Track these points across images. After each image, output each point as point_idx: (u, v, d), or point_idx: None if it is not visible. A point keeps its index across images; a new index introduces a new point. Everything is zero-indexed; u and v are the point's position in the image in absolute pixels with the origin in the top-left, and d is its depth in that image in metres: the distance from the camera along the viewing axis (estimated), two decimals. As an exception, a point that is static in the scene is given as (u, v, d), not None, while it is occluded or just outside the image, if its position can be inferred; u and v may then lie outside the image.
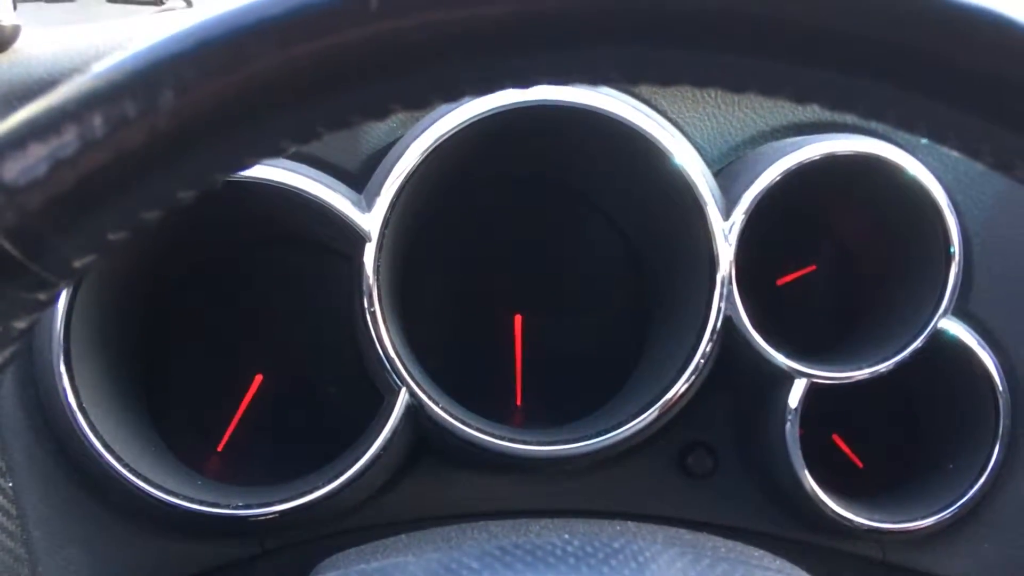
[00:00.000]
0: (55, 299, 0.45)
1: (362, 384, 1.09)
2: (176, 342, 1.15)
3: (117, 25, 1.09)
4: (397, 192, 0.97)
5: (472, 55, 0.43)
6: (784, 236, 1.17)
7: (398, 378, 0.99)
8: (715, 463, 1.13)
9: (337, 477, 0.99)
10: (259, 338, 1.16)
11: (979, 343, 1.06)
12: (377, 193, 0.97)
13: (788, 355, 1.03)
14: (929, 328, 1.03)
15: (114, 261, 1.00)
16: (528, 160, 1.14)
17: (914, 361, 1.04)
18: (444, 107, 0.99)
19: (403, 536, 0.89)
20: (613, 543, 0.57)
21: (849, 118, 1.06)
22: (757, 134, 1.08)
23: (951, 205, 1.03)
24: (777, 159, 1.01)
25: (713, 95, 1.08)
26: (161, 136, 0.41)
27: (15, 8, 1.04)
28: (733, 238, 1.00)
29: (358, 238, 0.97)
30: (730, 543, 0.82)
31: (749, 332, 1.01)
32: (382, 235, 0.97)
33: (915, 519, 1.06)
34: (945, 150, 0.96)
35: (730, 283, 1.00)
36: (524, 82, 0.46)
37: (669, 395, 1.01)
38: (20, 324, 0.44)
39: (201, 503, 0.97)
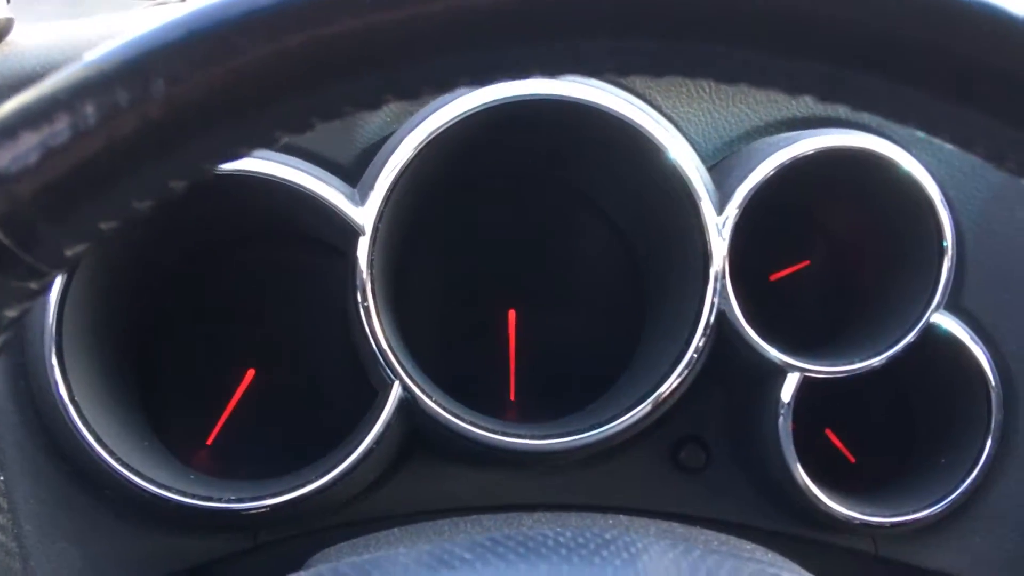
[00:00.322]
0: (47, 288, 0.44)
1: (356, 378, 1.09)
2: (168, 336, 1.15)
3: (111, 18, 1.09)
4: (391, 186, 0.97)
5: (464, 46, 0.43)
6: (778, 231, 1.17)
7: (391, 372, 0.99)
8: (708, 457, 1.13)
9: (330, 471, 0.99)
10: (252, 332, 1.16)
11: (972, 338, 1.06)
12: (371, 187, 0.97)
13: (781, 349, 1.03)
14: (922, 323, 1.03)
15: (108, 254, 1.00)
16: (522, 155, 1.14)
17: (907, 355, 1.04)
18: (438, 101, 0.99)
19: (396, 530, 0.90)
20: (604, 534, 0.57)
21: (843, 113, 1.07)
22: (752, 129, 1.08)
23: (944, 200, 1.03)
24: (771, 154, 1.01)
25: (708, 90, 1.08)
26: (153, 125, 0.41)
27: (8, 2, 1.04)
28: (727, 233, 1.00)
29: (352, 232, 0.97)
30: (722, 536, 0.82)
31: (742, 326, 1.01)
32: (375, 229, 0.97)
33: (907, 513, 1.06)
34: (937, 144, 0.97)
35: (724, 278, 1.00)
36: (517, 74, 0.46)
37: (662, 389, 1.01)
38: (11, 313, 0.43)
39: (193, 496, 0.97)
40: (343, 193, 0.98)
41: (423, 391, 0.99)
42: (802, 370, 1.03)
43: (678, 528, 0.85)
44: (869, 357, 1.04)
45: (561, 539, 0.56)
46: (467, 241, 1.17)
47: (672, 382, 1.01)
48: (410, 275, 1.16)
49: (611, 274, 1.18)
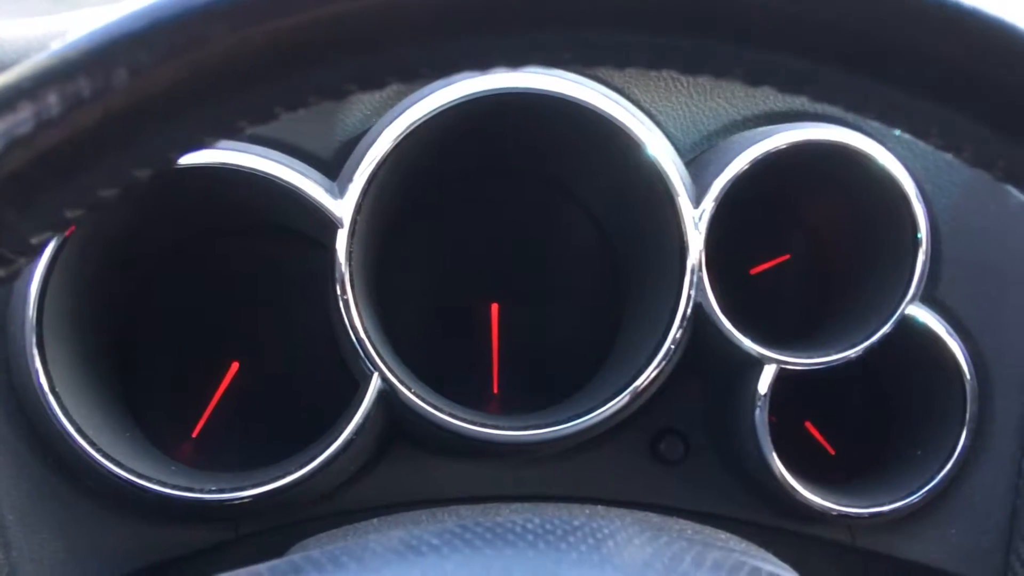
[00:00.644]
0: (14, 276, 0.45)
1: (337, 371, 1.10)
2: (151, 329, 1.15)
3: (93, 12, 1.09)
4: (369, 178, 0.97)
5: (427, 36, 0.43)
6: (756, 226, 1.18)
7: (370, 363, 0.99)
8: (686, 449, 1.14)
9: (310, 462, 0.99)
10: (235, 325, 1.16)
11: (947, 330, 1.07)
12: (350, 179, 0.98)
13: (757, 341, 1.04)
14: (897, 314, 1.04)
15: (89, 247, 1.00)
16: (501, 149, 1.15)
17: (883, 348, 1.05)
18: (417, 94, 1.00)
19: (374, 520, 0.90)
20: (573, 521, 0.58)
21: (819, 107, 1.08)
22: (729, 123, 1.09)
23: (919, 193, 1.04)
24: (747, 148, 1.02)
25: (686, 85, 1.08)
26: (116, 114, 0.42)
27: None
28: (703, 226, 1.01)
29: (331, 224, 0.98)
30: (697, 526, 0.83)
31: (719, 318, 1.02)
32: (354, 221, 0.98)
33: (884, 504, 1.07)
34: (910, 138, 0.98)
35: (700, 270, 1.01)
36: (480, 65, 0.46)
37: (640, 381, 1.02)
38: (-23, 299, 0.44)
39: (174, 487, 0.98)
40: (322, 186, 0.99)
41: (402, 383, 1.00)
42: (778, 362, 1.04)
43: (653, 518, 0.86)
44: (845, 349, 1.05)
45: (529, 526, 0.57)
46: (447, 235, 1.18)
47: (650, 374, 1.02)
48: (391, 268, 1.17)
49: (590, 267, 1.19)
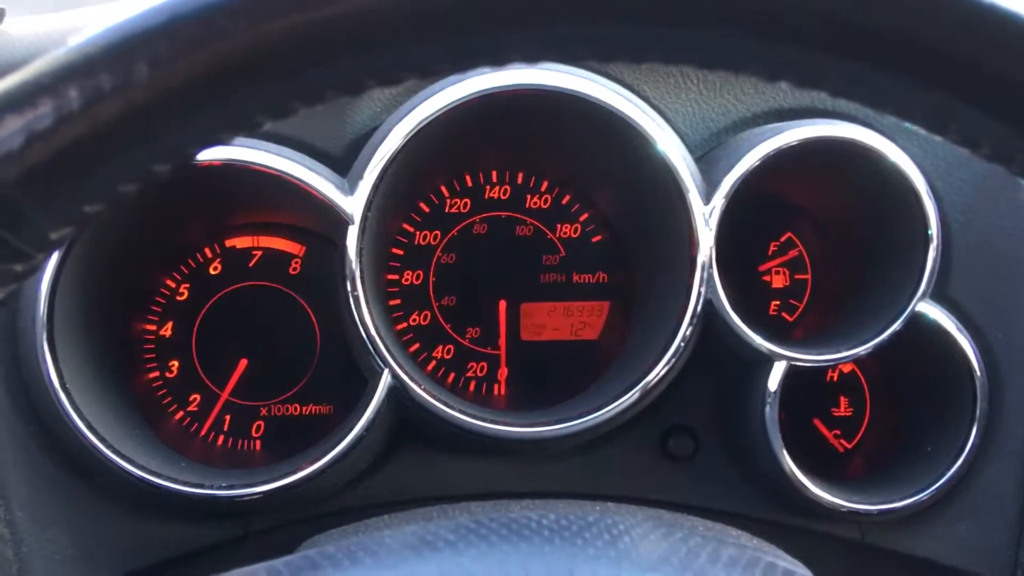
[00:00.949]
0: (32, 271, 0.45)
1: (347, 368, 1.10)
2: (161, 326, 1.15)
3: (102, 8, 1.10)
4: (380, 175, 0.97)
5: (445, 31, 0.43)
6: (766, 223, 1.18)
7: (380, 360, 0.99)
8: (696, 446, 1.14)
9: (320, 458, 0.99)
10: (244, 323, 1.16)
11: (957, 327, 1.07)
12: (360, 176, 0.98)
13: (767, 338, 1.04)
14: (907, 312, 1.04)
15: (99, 245, 1.00)
16: (511, 145, 1.15)
17: (893, 345, 1.05)
18: (427, 91, 1.00)
19: (385, 516, 0.90)
20: (587, 517, 0.58)
21: (829, 104, 1.07)
22: (739, 120, 1.09)
23: (930, 191, 1.03)
24: (757, 144, 1.02)
25: (696, 81, 1.08)
26: (136, 109, 0.42)
27: (0, -5, 1.04)
28: (713, 222, 1.01)
29: (341, 221, 0.98)
30: (708, 523, 0.83)
31: (729, 315, 1.02)
32: (364, 218, 0.98)
33: (893, 501, 1.07)
34: (923, 134, 0.97)
35: (711, 267, 1.01)
36: (497, 60, 0.46)
37: (650, 378, 1.01)
38: (-3, 294, 0.44)
39: (184, 484, 0.98)
40: (333, 183, 0.99)
41: (412, 379, 1.00)
42: (788, 359, 1.04)
43: (664, 514, 0.86)
44: (855, 346, 1.05)
45: (544, 521, 0.57)
46: (456, 232, 1.18)
47: (659, 371, 1.02)
48: (400, 265, 1.17)
49: (600, 264, 1.19)
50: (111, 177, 0.43)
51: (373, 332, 0.99)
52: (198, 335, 1.16)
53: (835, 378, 1.19)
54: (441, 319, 1.18)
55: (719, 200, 1.01)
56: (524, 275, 1.19)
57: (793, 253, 1.19)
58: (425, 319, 1.18)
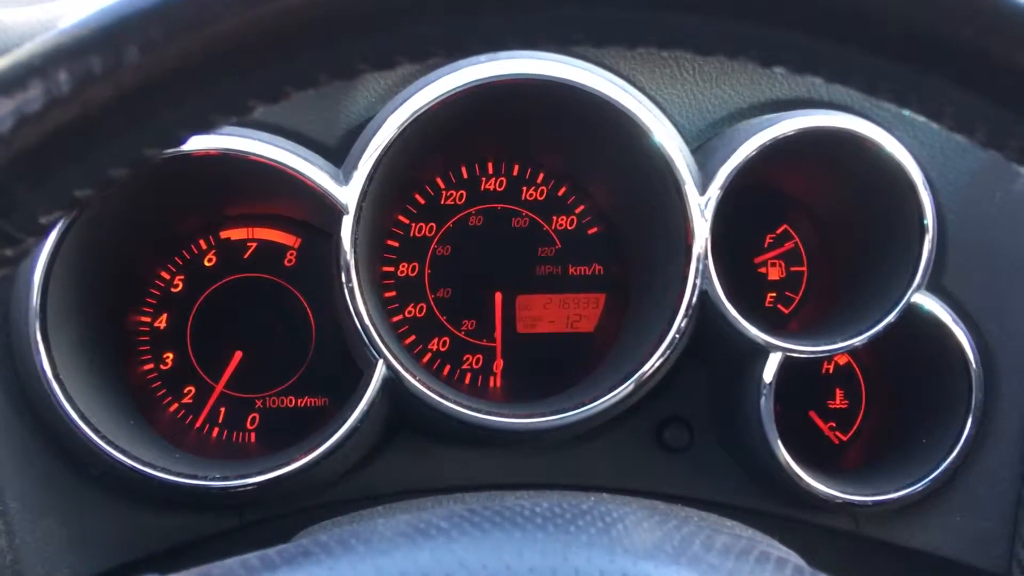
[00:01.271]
0: (23, 256, 0.45)
1: (342, 360, 1.10)
2: (155, 317, 1.15)
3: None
4: (375, 165, 0.97)
5: (440, 14, 0.43)
6: (763, 215, 1.18)
7: (375, 351, 0.99)
8: (691, 437, 1.14)
9: (315, 449, 0.99)
10: (238, 315, 1.16)
11: (953, 319, 1.07)
12: (355, 166, 0.98)
13: (763, 329, 1.03)
14: (903, 303, 1.04)
15: (92, 236, 1.00)
16: (507, 136, 1.14)
17: (888, 336, 1.05)
18: (421, 81, 1.00)
19: (379, 507, 0.90)
20: (581, 505, 0.58)
21: (825, 94, 1.07)
22: (735, 111, 1.09)
23: (926, 181, 1.03)
24: (753, 135, 1.01)
25: (692, 72, 1.08)
26: (127, 93, 0.41)
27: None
28: (709, 213, 1.01)
29: (336, 211, 0.98)
30: (703, 513, 0.83)
31: (724, 306, 1.02)
32: (359, 208, 0.98)
33: (888, 492, 1.07)
34: (919, 125, 0.97)
35: (706, 258, 1.01)
36: (493, 45, 0.46)
37: (644, 369, 1.01)
38: (-14, 278, 0.44)
39: (178, 475, 0.98)
40: (327, 173, 0.99)
41: (407, 370, 1.00)
42: (784, 350, 1.04)
43: (659, 505, 0.85)
44: (850, 337, 1.05)
45: (538, 509, 0.57)
46: (451, 223, 1.18)
47: (655, 362, 1.02)
48: (395, 256, 1.16)
49: (596, 256, 1.18)
50: (102, 161, 0.43)
51: (368, 323, 0.99)
52: (193, 327, 1.16)
53: (830, 370, 1.20)
54: (437, 311, 1.18)
55: (715, 191, 1.01)
56: (520, 267, 1.18)
57: (789, 245, 1.19)
58: (421, 311, 1.18)
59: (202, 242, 1.15)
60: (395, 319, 1.16)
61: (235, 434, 1.16)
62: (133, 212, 1.05)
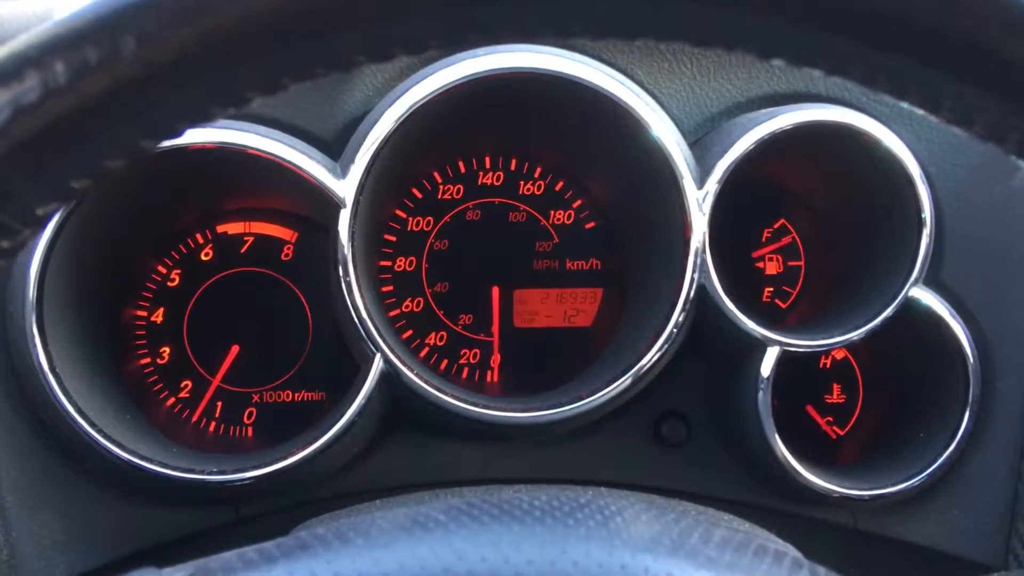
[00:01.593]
0: (19, 248, 0.45)
1: (339, 355, 1.10)
2: (152, 312, 1.15)
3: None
4: (372, 158, 0.97)
5: (437, 4, 0.43)
6: (761, 209, 1.18)
7: (372, 345, 0.99)
8: (689, 432, 1.14)
9: (312, 443, 0.99)
10: (235, 309, 1.16)
11: (950, 313, 1.07)
12: (352, 160, 0.97)
13: (760, 323, 1.03)
14: (900, 297, 1.04)
15: (89, 230, 1.00)
16: (504, 130, 1.14)
17: (886, 331, 1.05)
18: (420, 74, 1.00)
19: (377, 501, 0.90)
20: (580, 499, 0.58)
21: (823, 88, 1.07)
22: (733, 105, 1.08)
23: (924, 176, 1.03)
24: (751, 128, 1.01)
25: (689, 66, 1.08)
26: (124, 84, 0.41)
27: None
28: (707, 207, 1.01)
29: (333, 205, 0.98)
30: (700, 507, 0.83)
31: (722, 300, 1.02)
32: (356, 202, 0.97)
33: (886, 486, 1.07)
34: (917, 119, 0.97)
35: (704, 252, 1.01)
36: (491, 36, 0.46)
37: (642, 363, 1.01)
38: (-18, 269, 0.44)
39: (175, 468, 0.97)
40: (325, 166, 0.98)
41: (404, 364, 1.00)
42: (781, 344, 1.04)
43: (657, 499, 0.85)
44: (848, 332, 1.05)
45: (536, 502, 0.57)
46: (449, 217, 1.17)
47: (652, 356, 1.02)
48: (392, 250, 1.16)
49: (593, 250, 1.18)
50: (98, 152, 0.43)
51: (365, 316, 0.99)
52: (189, 321, 1.15)
53: (828, 365, 1.20)
54: (434, 305, 1.18)
55: (713, 185, 1.01)
56: (517, 262, 1.18)
57: (786, 240, 1.19)
58: (418, 305, 1.18)
59: (199, 236, 1.15)
60: (392, 313, 1.16)
61: (232, 428, 1.16)
62: (130, 206, 1.05)
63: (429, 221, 1.17)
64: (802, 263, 1.19)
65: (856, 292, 1.10)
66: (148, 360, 1.14)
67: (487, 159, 1.17)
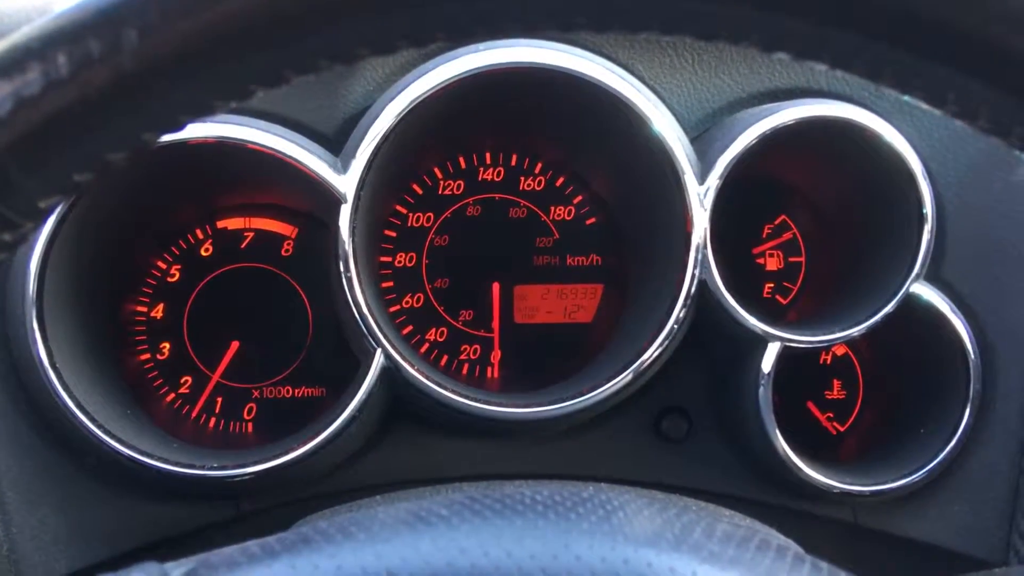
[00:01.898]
0: (20, 241, 0.44)
1: (340, 350, 1.10)
2: (152, 307, 1.14)
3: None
4: (373, 153, 0.97)
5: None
6: (762, 205, 1.17)
7: (373, 340, 0.99)
8: (690, 428, 1.14)
9: (312, 439, 0.99)
10: (235, 305, 1.16)
11: (951, 309, 1.07)
12: (353, 155, 0.97)
13: (761, 319, 1.03)
14: (901, 293, 1.04)
15: (90, 225, 1.00)
16: (506, 127, 1.14)
17: (887, 327, 1.05)
18: (421, 69, 0.99)
19: (378, 497, 0.90)
20: (582, 493, 0.57)
21: (824, 84, 1.07)
22: (734, 100, 1.08)
23: (925, 172, 1.03)
24: (752, 124, 1.01)
25: (691, 61, 1.08)
26: (126, 76, 0.41)
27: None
28: (708, 203, 1.01)
29: (334, 200, 0.97)
30: (701, 503, 0.83)
31: (723, 296, 1.02)
32: (357, 197, 0.97)
33: (886, 482, 1.07)
34: (918, 115, 0.97)
35: (705, 248, 1.01)
36: (491, 28, 0.46)
37: (643, 359, 1.01)
38: (-16, 263, 0.43)
39: (175, 464, 0.97)
40: (326, 161, 0.98)
41: (405, 359, 1.00)
42: (782, 340, 1.04)
43: (658, 494, 0.85)
44: (849, 327, 1.05)
45: (538, 497, 0.57)
46: (450, 213, 1.17)
47: (653, 352, 1.01)
48: (392, 246, 1.16)
49: (594, 246, 1.18)
50: (100, 145, 0.42)
51: (366, 312, 0.98)
52: (189, 317, 1.15)
53: (828, 361, 1.19)
54: (434, 301, 1.18)
55: (714, 180, 1.01)
56: (518, 257, 1.18)
57: (787, 236, 1.19)
58: (418, 301, 1.18)
59: (199, 231, 1.15)
60: (393, 309, 1.16)
61: (232, 424, 1.16)
62: (130, 201, 1.05)
63: (429, 217, 1.17)
64: (803, 259, 1.19)
65: (857, 288, 1.10)
66: (148, 356, 1.14)
67: (488, 155, 1.17)
